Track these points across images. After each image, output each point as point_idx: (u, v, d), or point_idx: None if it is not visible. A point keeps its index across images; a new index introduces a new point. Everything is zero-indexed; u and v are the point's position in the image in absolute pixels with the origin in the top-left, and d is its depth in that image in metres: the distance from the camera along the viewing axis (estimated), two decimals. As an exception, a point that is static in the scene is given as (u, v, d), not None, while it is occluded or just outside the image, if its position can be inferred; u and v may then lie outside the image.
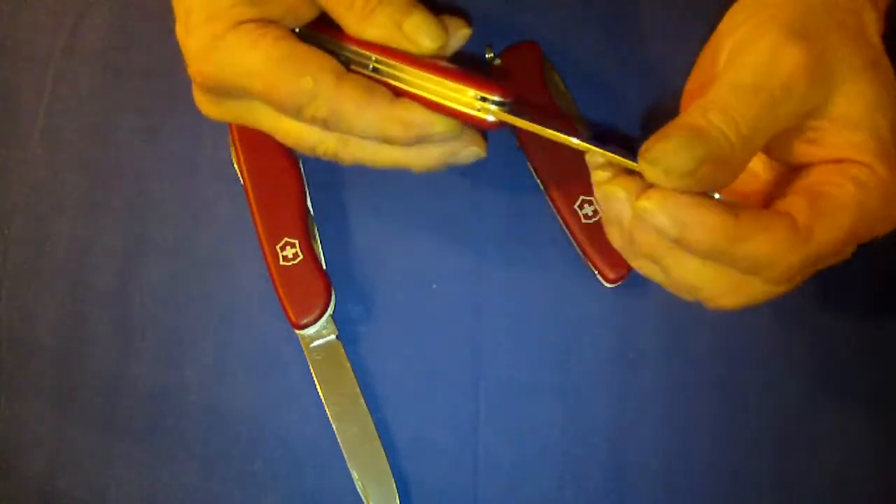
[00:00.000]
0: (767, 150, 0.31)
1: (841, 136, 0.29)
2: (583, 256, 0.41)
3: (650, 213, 0.28)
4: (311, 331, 0.40)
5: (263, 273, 0.41)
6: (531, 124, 0.31)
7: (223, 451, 0.40)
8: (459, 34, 0.34)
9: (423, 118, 0.32)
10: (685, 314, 0.41)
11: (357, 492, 0.39)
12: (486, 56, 0.43)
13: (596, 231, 0.41)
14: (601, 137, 0.41)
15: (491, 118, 0.32)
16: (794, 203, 0.29)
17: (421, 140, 0.33)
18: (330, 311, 0.40)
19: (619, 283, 0.40)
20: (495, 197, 0.42)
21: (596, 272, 0.41)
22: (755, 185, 0.34)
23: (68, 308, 0.42)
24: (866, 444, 0.40)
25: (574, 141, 0.31)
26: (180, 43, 0.34)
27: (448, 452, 0.40)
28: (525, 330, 0.41)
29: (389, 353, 0.41)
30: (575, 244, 0.41)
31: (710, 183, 0.28)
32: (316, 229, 0.42)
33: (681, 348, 0.41)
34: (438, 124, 0.32)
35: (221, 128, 0.43)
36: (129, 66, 0.45)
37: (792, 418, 0.40)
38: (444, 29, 0.33)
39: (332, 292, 0.40)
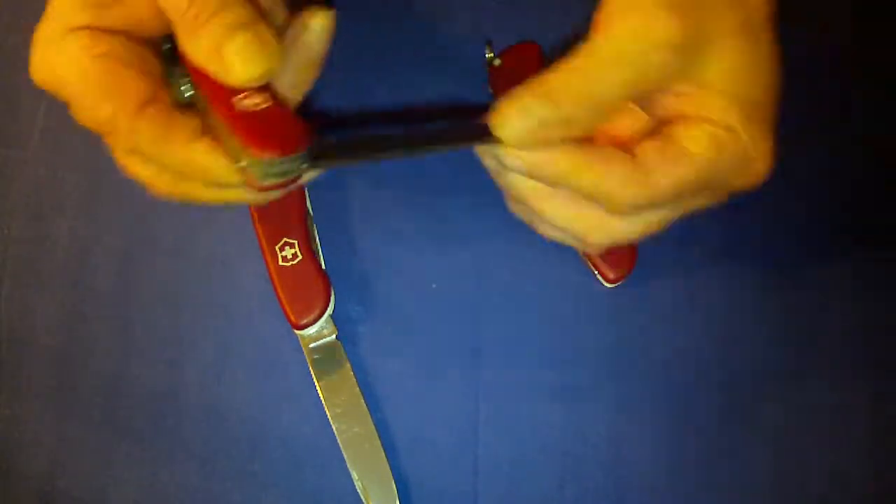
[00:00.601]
0: (636, 102, 0.31)
1: (709, 100, 0.29)
2: (583, 256, 0.41)
3: (503, 155, 0.30)
4: (310, 331, 0.40)
5: (263, 273, 0.41)
6: (341, 161, 0.29)
7: (223, 451, 0.40)
8: (313, 25, 0.31)
9: (217, 164, 0.29)
10: (685, 314, 0.41)
11: (357, 492, 0.39)
12: (486, 56, 0.43)
13: None
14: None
15: (266, 182, 0.28)
16: (645, 145, 0.30)
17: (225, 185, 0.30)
18: (329, 311, 0.40)
19: (619, 283, 0.40)
20: (495, 196, 0.42)
21: (596, 272, 0.41)
22: (639, 126, 0.33)
23: (68, 308, 0.42)
24: (866, 444, 0.40)
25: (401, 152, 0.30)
26: None
27: (448, 452, 0.40)
28: (525, 330, 0.41)
29: (389, 353, 0.41)
30: (575, 244, 0.41)
31: (554, 141, 0.29)
32: (315, 229, 0.42)
33: (681, 348, 0.41)
34: (231, 173, 0.30)
35: (221, 128, 0.43)
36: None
37: (792, 418, 0.40)
38: (272, 54, 0.29)
39: (332, 292, 0.40)
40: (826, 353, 0.41)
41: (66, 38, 0.30)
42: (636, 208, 0.30)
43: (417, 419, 0.40)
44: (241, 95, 0.29)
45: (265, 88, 0.30)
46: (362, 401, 0.40)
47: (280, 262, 0.40)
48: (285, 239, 0.40)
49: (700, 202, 0.32)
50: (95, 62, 0.30)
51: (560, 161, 0.30)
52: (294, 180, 0.30)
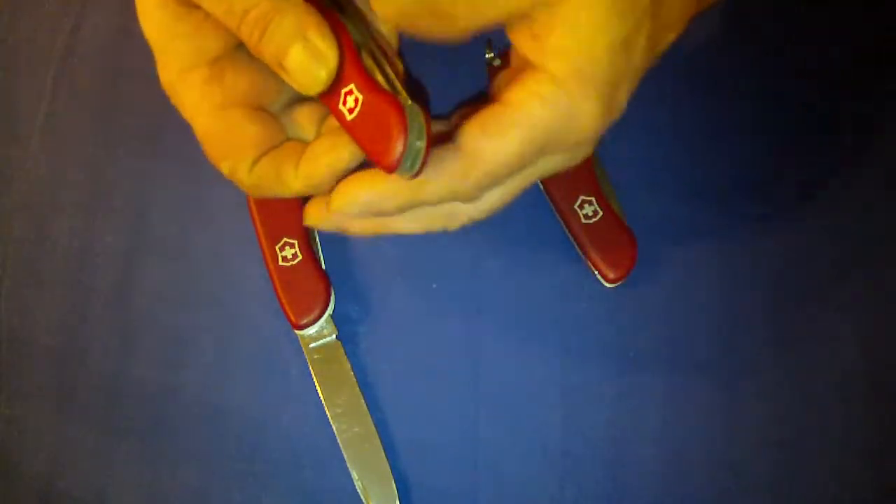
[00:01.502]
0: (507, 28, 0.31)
1: (554, 38, 0.29)
2: (583, 256, 0.41)
3: (341, 210, 0.32)
4: (310, 331, 0.40)
5: (263, 273, 0.41)
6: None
7: (223, 451, 0.40)
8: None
9: (327, 168, 0.32)
10: (685, 314, 0.41)
11: (357, 492, 0.39)
12: (486, 56, 0.43)
13: (596, 231, 0.41)
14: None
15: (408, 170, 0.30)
16: (464, 132, 0.30)
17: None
18: (329, 311, 0.40)
19: (619, 283, 0.40)
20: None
21: (596, 272, 0.41)
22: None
23: (68, 308, 0.42)
24: (866, 444, 0.40)
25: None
26: None
27: (448, 452, 0.40)
28: (525, 330, 0.41)
29: (389, 353, 0.41)
30: (575, 244, 0.41)
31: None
32: (315, 229, 0.42)
33: (681, 348, 0.41)
34: (345, 158, 0.32)
35: (221, 128, 0.43)
36: (129, 66, 0.45)
37: (791, 418, 0.40)
38: (329, 58, 0.30)
39: (332, 292, 0.40)
40: (826, 352, 0.41)
41: (184, 85, 0.33)
42: (481, 191, 0.31)
43: (417, 419, 0.40)
44: (341, 103, 0.30)
45: (351, 76, 0.30)
46: (362, 401, 0.40)
47: (280, 262, 0.40)
48: (285, 239, 0.40)
49: (547, 165, 0.32)
50: (215, 119, 0.33)
51: (397, 195, 0.31)
52: (430, 139, 0.31)
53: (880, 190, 0.42)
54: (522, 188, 0.33)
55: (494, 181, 0.31)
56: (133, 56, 0.45)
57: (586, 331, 0.41)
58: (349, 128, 0.31)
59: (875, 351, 0.41)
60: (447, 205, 0.33)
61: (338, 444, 0.40)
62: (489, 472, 0.40)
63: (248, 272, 0.42)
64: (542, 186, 0.42)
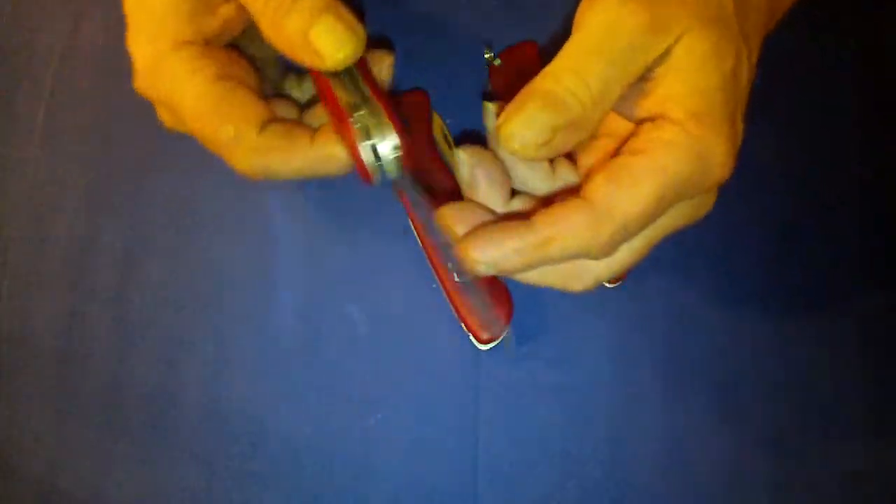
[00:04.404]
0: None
1: (665, 87, 0.29)
2: (583, 256, 0.41)
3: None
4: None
5: (263, 272, 0.41)
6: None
7: (223, 451, 0.40)
8: (384, 66, 0.34)
9: (343, 152, 0.32)
10: (685, 315, 0.41)
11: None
12: (486, 56, 0.43)
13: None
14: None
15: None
16: (593, 184, 0.29)
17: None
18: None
19: (619, 284, 0.40)
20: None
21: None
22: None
23: (68, 308, 0.43)
24: (866, 443, 0.40)
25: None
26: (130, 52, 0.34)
27: (448, 452, 0.40)
28: (525, 330, 0.41)
29: (389, 352, 0.41)
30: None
31: (564, 148, 0.29)
32: None
33: (680, 349, 0.41)
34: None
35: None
36: (129, 66, 0.45)
37: (792, 418, 0.40)
38: (359, 35, 0.30)
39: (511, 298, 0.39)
40: (826, 352, 0.41)
41: (178, 55, 0.31)
42: (613, 246, 0.29)
43: (417, 419, 0.40)
44: (352, 120, 0.31)
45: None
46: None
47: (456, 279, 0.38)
48: None
49: (679, 218, 0.32)
50: (214, 86, 0.31)
51: (523, 253, 0.29)
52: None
53: (881, 188, 0.42)
54: (651, 245, 0.32)
55: (627, 236, 0.29)
56: (133, 56, 0.45)
57: (586, 330, 0.41)
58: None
59: (875, 350, 0.41)
60: (577, 262, 0.31)
61: (338, 443, 0.40)
62: (489, 472, 0.40)
63: (247, 271, 0.42)
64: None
